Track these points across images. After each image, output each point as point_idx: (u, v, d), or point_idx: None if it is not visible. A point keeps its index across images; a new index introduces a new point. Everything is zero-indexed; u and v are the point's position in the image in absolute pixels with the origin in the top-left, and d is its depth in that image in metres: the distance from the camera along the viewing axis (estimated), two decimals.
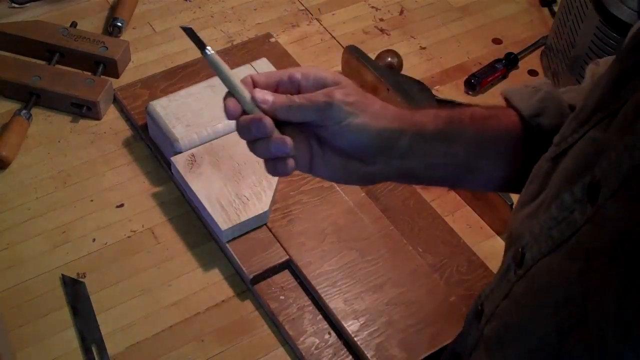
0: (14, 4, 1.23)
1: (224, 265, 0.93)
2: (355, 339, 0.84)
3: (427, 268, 0.91)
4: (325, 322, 0.87)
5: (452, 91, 1.17)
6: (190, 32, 0.58)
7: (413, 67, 1.19)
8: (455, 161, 0.63)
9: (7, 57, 1.13)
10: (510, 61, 1.18)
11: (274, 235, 0.93)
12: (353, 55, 1.13)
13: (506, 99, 0.67)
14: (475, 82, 1.15)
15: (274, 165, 0.59)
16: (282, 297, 0.89)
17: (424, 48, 1.23)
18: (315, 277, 0.89)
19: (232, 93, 0.58)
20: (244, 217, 0.91)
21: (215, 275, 0.92)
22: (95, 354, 0.84)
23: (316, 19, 1.27)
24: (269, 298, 0.88)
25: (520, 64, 1.21)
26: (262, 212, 0.92)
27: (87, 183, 1.01)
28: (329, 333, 0.86)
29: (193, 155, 0.96)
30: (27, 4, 1.23)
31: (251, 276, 0.89)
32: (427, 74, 1.18)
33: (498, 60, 1.18)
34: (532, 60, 1.23)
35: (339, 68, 1.18)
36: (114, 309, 0.88)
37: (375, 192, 0.99)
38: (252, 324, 0.88)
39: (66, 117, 1.08)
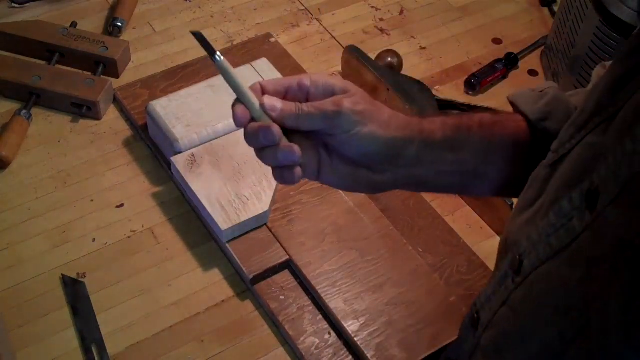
0: (14, 4, 1.23)
1: (224, 265, 0.93)
2: (355, 339, 0.84)
3: (427, 268, 0.91)
4: (325, 322, 0.87)
5: (452, 91, 1.17)
6: (200, 38, 0.58)
7: (413, 67, 1.19)
8: (463, 168, 0.63)
9: (7, 57, 1.13)
10: (510, 61, 1.18)
11: (274, 235, 0.93)
12: (353, 55, 1.13)
13: (512, 104, 0.67)
14: (475, 82, 1.15)
15: (282, 173, 0.59)
16: (282, 297, 0.89)
17: (424, 48, 1.23)
18: (315, 277, 0.89)
19: (240, 100, 0.58)
20: (244, 217, 0.91)
21: (215, 275, 0.92)
22: (95, 354, 0.84)
23: (316, 19, 1.27)
24: (269, 298, 0.88)
25: (520, 64, 1.21)
26: (262, 212, 0.92)
27: (87, 183, 1.01)
28: (329, 333, 0.86)
29: (193, 155, 0.96)
30: (27, 4, 1.23)
31: (251, 276, 0.89)
32: (427, 74, 1.18)
33: (498, 60, 1.18)
34: (532, 60, 1.23)
35: (339, 68, 1.18)
36: (114, 309, 0.88)
37: None
38: (252, 324, 0.88)
39: (66, 117, 1.08)
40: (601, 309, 0.43)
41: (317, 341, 0.85)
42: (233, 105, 0.58)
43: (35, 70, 1.09)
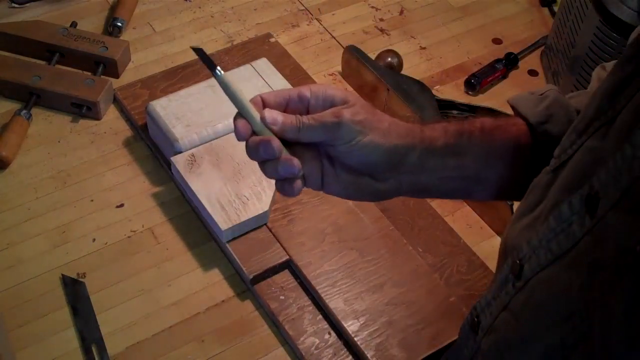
0: (14, 4, 1.23)
1: (224, 265, 0.93)
2: (355, 339, 0.84)
3: (427, 268, 0.91)
4: (325, 322, 0.87)
5: (452, 91, 1.17)
6: (201, 53, 0.58)
7: (413, 67, 1.19)
8: (465, 174, 0.63)
9: (7, 57, 1.13)
10: (510, 61, 1.18)
11: (274, 235, 0.93)
12: (353, 55, 1.13)
13: (513, 108, 0.67)
14: (475, 82, 1.15)
15: (282, 185, 0.60)
16: (282, 297, 0.89)
17: (424, 48, 1.23)
18: (315, 277, 0.89)
19: (241, 113, 0.58)
20: (244, 217, 0.91)
21: (215, 275, 0.92)
22: (95, 354, 0.84)
23: (316, 19, 1.27)
24: (269, 298, 0.88)
25: (520, 64, 1.21)
26: (262, 212, 0.92)
27: (87, 183, 1.01)
28: (329, 333, 0.86)
29: (193, 155, 0.96)
30: (27, 4, 1.23)
31: (251, 276, 0.89)
32: (427, 74, 1.18)
33: (498, 60, 1.18)
34: (532, 60, 1.23)
35: (339, 68, 1.18)
36: (114, 309, 0.88)
37: None
38: (252, 324, 0.88)
39: (66, 117, 1.08)
40: (603, 315, 0.43)
41: (317, 341, 0.85)
42: (234, 119, 0.58)
43: (35, 70, 1.09)
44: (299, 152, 0.60)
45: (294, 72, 1.13)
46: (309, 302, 0.89)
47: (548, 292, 0.50)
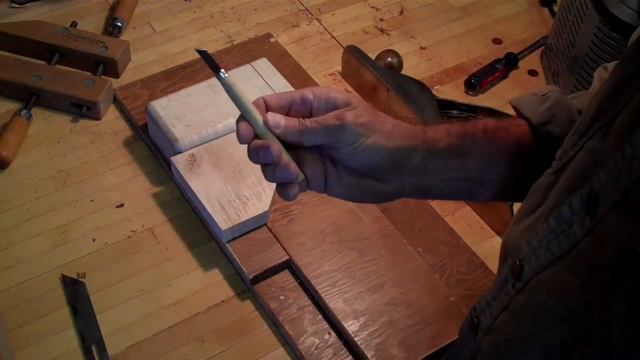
0: (14, 4, 1.23)
1: (224, 265, 0.93)
2: (355, 339, 0.84)
3: (427, 268, 0.91)
4: (325, 322, 0.87)
5: (452, 91, 1.17)
6: (205, 55, 0.58)
7: (413, 67, 1.19)
8: (468, 175, 0.63)
9: (7, 57, 1.13)
10: (510, 61, 1.19)
11: (274, 235, 0.93)
12: (353, 55, 1.13)
13: (515, 109, 0.67)
14: (475, 82, 1.15)
15: (280, 189, 0.60)
16: (282, 297, 0.89)
17: (424, 48, 1.23)
18: (315, 277, 0.89)
19: (244, 116, 0.58)
20: (244, 217, 0.91)
21: (215, 275, 0.92)
22: (95, 354, 0.84)
23: (316, 19, 1.27)
24: (269, 298, 0.88)
25: (520, 64, 1.21)
26: (262, 212, 0.92)
27: (87, 183, 1.01)
28: (329, 333, 0.86)
29: (193, 155, 0.96)
30: (27, 4, 1.23)
31: (251, 276, 0.89)
32: (427, 74, 1.18)
33: (498, 60, 1.18)
34: (532, 60, 1.23)
35: (339, 68, 1.18)
36: (114, 309, 0.88)
37: None
38: (252, 324, 0.88)
39: (66, 117, 1.08)
40: (603, 315, 0.43)
41: (317, 341, 0.85)
42: (237, 122, 0.58)
43: (35, 70, 1.09)
44: (302, 155, 0.60)
45: (294, 72, 1.13)
46: (309, 302, 0.89)
47: (548, 292, 0.50)
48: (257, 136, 0.58)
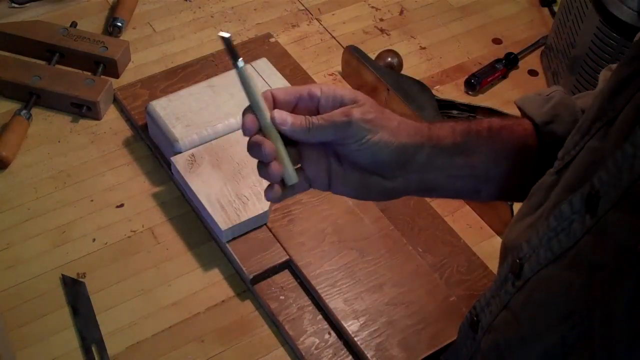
0: (14, 4, 1.23)
1: (224, 265, 0.93)
2: (355, 339, 0.84)
3: (427, 268, 0.91)
4: (325, 322, 0.87)
5: (452, 91, 1.17)
6: (227, 42, 0.58)
7: (413, 67, 1.19)
8: (473, 173, 0.63)
9: (7, 57, 1.13)
10: (510, 61, 1.19)
11: (274, 235, 0.93)
12: (353, 55, 1.13)
13: (520, 108, 0.67)
14: (475, 82, 1.15)
15: (266, 188, 0.61)
16: (282, 297, 0.89)
17: (424, 48, 1.23)
18: (315, 277, 0.89)
19: (252, 109, 0.58)
20: (244, 217, 0.91)
21: (215, 275, 0.92)
22: (95, 354, 0.84)
23: (316, 19, 1.27)
24: (269, 298, 0.88)
25: (520, 64, 1.21)
26: (262, 212, 0.92)
27: (87, 183, 1.01)
28: (329, 333, 0.86)
29: (193, 155, 0.96)
30: (27, 4, 1.23)
31: (251, 276, 0.89)
32: (427, 74, 1.18)
33: (498, 60, 1.18)
34: (532, 60, 1.23)
35: (339, 68, 1.18)
36: (114, 309, 0.88)
37: None
38: (252, 324, 0.88)
39: (66, 117, 1.08)
40: (603, 314, 0.43)
41: (317, 341, 0.85)
42: (244, 114, 0.58)
43: (35, 70, 1.09)
44: (306, 153, 0.60)
45: (294, 72, 1.13)
46: (309, 302, 0.89)
47: (548, 291, 0.50)
48: (261, 130, 0.58)
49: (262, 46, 1.17)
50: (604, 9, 1.02)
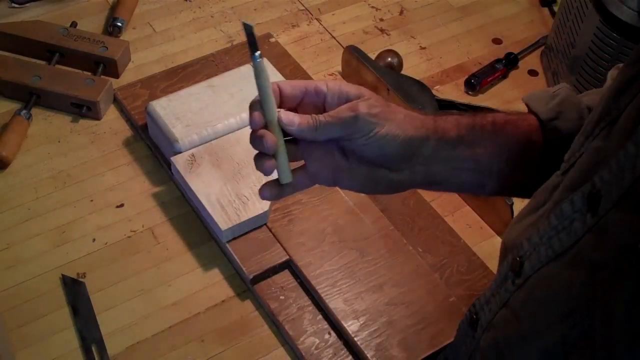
0: (14, 4, 1.23)
1: (224, 265, 0.93)
2: (355, 339, 0.84)
3: (427, 268, 0.91)
4: (325, 322, 0.87)
5: (452, 91, 1.17)
6: (249, 31, 0.57)
7: (413, 67, 1.19)
8: (477, 166, 0.64)
9: (7, 57, 1.13)
10: (510, 61, 1.18)
11: (274, 235, 0.93)
12: (353, 55, 1.13)
13: (526, 105, 0.67)
14: (475, 82, 1.15)
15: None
16: (282, 297, 0.89)
17: (424, 48, 1.23)
18: (315, 277, 0.89)
19: (261, 103, 0.58)
20: (244, 217, 0.91)
21: (215, 275, 0.92)
22: (95, 354, 0.84)
23: (316, 19, 1.27)
24: (269, 298, 0.88)
25: (520, 64, 1.21)
26: (262, 212, 0.92)
27: (87, 183, 1.01)
28: (329, 333, 0.86)
29: (193, 155, 0.96)
30: (27, 4, 1.23)
31: (251, 276, 0.89)
32: (427, 74, 1.18)
33: (498, 60, 1.18)
34: (532, 60, 1.23)
35: (339, 68, 1.18)
36: (114, 309, 0.88)
37: None
38: (252, 324, 0.88)
39: (66, 117, 1.08)
40: (604, 313, 0.43)
41: (317, 341, 0.85)
42: (251, 107, 0.59)
43: (35, 70, 1.09)
44: (309, 149, 0.61)
45: (294, 72, 1.13)
46: (309, 302, 0.89)
47: (548, 289, 0.50)
48: (266, 125, 0.59)
49: (262, 46, 1.17)
50: (604, 9, 1.02)
